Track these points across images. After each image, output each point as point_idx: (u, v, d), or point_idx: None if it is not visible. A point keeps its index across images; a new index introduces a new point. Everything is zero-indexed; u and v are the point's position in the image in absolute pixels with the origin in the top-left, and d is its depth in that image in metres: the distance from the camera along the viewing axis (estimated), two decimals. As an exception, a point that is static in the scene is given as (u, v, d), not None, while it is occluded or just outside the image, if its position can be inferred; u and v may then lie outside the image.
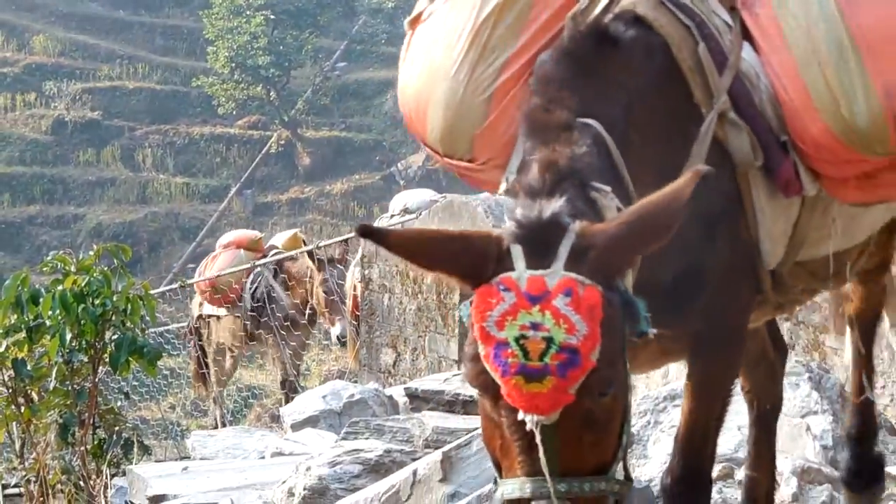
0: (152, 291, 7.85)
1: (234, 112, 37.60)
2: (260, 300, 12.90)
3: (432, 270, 2.85)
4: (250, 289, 12.97)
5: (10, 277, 7.04)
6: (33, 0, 41.04)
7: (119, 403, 8.19)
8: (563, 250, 2.74)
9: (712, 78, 3.64)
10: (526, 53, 3.82)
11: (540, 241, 2.78)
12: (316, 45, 37.95)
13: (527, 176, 2.97)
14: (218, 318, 13.35)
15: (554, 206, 2.83)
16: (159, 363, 7.51)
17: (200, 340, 13.58)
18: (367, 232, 2.81)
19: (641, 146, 3.36)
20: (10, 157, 34.93)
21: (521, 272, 2.73)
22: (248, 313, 12.88)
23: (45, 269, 7.22)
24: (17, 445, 7.29)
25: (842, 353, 7.50)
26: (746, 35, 3.81)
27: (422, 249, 2.83)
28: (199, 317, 13.60)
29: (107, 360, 7.00)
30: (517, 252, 2.76)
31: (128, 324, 6.98)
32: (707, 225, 3.51)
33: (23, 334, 6.94)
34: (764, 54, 3.75)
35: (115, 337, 6.96)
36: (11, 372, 7.00)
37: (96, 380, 7.09)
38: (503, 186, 3.74)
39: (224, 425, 12.78)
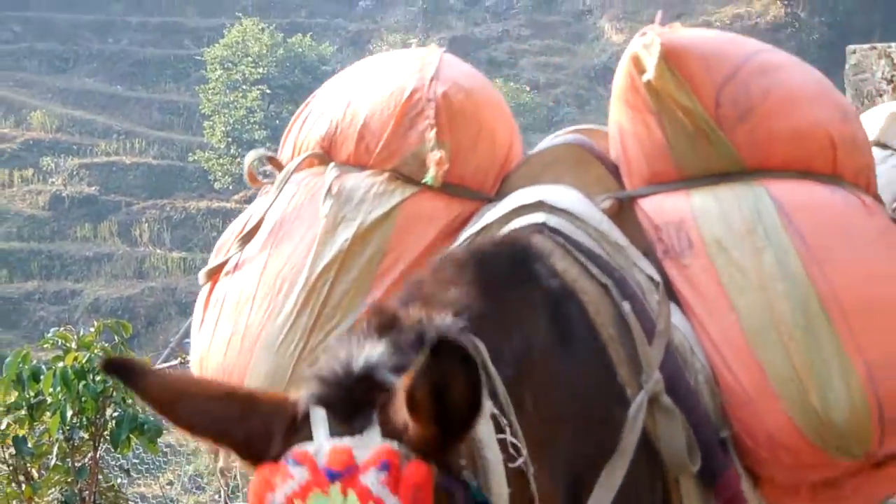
0: (152, 367, 7.85)
1: (231, 186, 37.62)
2: None
3: (196, 435, 2.05)
4: None
5: (9, 354, 7.04)
6: (30, 76, 41.26)
7: (119, 480, 8.17)
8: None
9: (641, 349, 2.67)
10: None
11: (349, 400, 1.98)
12: (312, 119, 38.13)
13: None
14: None
15: (370, 353, 2.02)
16: (158, 439, 7.50)
17: None
18: (113, 367, 2.12)
19: (539, 422, 2.36)
20: (7, 233, 34.90)
21: (320, 442, 1.94)
22: None
23: (45, 345, 7.23)
24: (18, 524, 7.27)
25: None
26: (670, 292, 2.92)
27: (184, 404, 2.04)
28: None
29: (108, 437, 6.99)
30: (318, 416, 1.98)
31: (128, 400, 6.98)
32: None
33: (24, 411, 6.91)
34: (698, 320, 2.87)
35: (115, 414, 6.95)
36: (12, 449, 6.98)
37: (97, 457, 7.08)
38: None
39: (227, 502, 12.72)
